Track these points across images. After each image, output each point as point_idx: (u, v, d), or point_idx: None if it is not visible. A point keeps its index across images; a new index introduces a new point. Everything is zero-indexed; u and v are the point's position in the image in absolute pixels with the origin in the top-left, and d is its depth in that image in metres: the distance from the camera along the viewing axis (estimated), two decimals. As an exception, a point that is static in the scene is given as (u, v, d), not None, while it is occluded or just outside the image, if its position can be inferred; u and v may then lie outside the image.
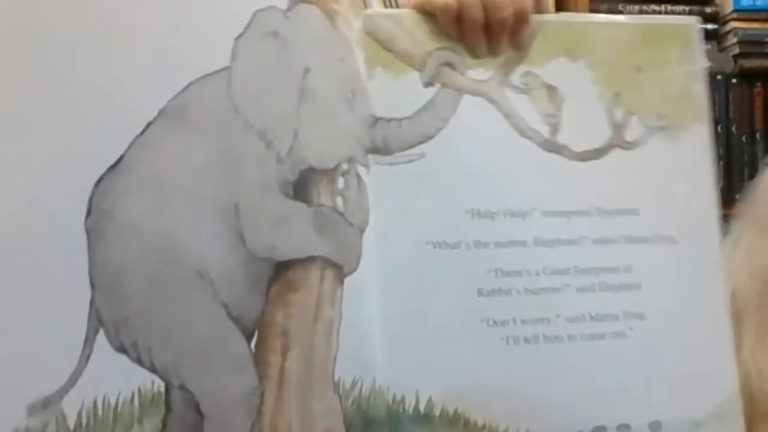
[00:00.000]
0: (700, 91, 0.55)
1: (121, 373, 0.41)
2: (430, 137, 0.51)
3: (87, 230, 0.42)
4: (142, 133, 0.43)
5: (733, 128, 1.48)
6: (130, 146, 0.42)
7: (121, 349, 0.42)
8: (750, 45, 1.49)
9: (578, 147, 0.53)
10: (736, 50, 1.48)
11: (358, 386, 0.46)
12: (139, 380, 0.41)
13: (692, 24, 0.57)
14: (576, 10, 1.58)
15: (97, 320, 0.41)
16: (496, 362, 0.48)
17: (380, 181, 0.50)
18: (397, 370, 0.47)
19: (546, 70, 0.53)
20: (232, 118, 0.44)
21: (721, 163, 1.42)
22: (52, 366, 0.40)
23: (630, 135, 0.54)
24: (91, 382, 0.40)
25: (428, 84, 0.52)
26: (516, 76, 0.53)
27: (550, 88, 0.53)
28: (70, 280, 0.41)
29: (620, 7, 1.67)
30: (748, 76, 1.49)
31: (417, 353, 0.48)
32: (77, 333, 0.41)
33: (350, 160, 0.48)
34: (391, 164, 0.50)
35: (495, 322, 0.49)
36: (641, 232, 0.52)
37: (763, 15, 1.56)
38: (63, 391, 0.40)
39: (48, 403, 0.40)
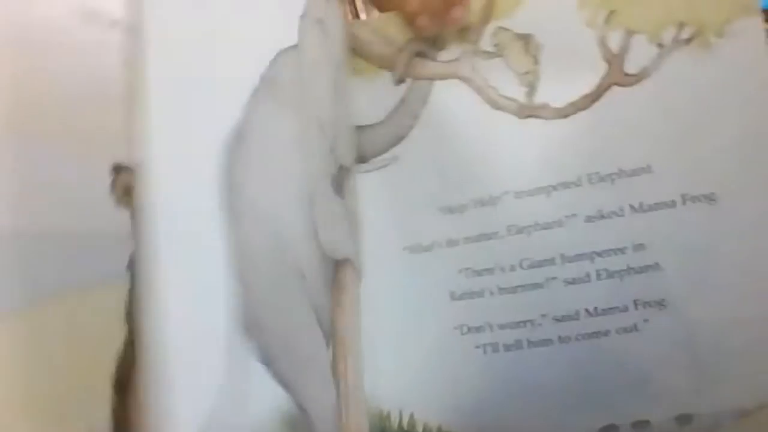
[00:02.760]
0: None
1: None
2: (402, 138, 0.47)
3: (229, 209, 0.35)
4: (250, 99, 0.39)
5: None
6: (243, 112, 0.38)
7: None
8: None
9: (561, 101, 0.42)
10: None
11: None
12: None
13: None
14: None
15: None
16: (474, 373, 0.42)
17: (359, 191, 0.48)
18: (380, 385, 0.45)
19: (517, 18, 0.44)
20: (303, 96, 0.42)
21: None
22: None
23: (632, 65, 0.40)
24: None
25: (400, 81, 0.48)
26: (486, 38, 0.45)
27: (525, 38, 0.43)
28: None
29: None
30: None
31: (396, 367, 0.45)
32: None
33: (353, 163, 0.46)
34: (367, 172, 0.48)
35: (469, 329, 0.43)
36: (658, 195, 0.39)
37: (763, 15, 0.91)
38: None
39: None
